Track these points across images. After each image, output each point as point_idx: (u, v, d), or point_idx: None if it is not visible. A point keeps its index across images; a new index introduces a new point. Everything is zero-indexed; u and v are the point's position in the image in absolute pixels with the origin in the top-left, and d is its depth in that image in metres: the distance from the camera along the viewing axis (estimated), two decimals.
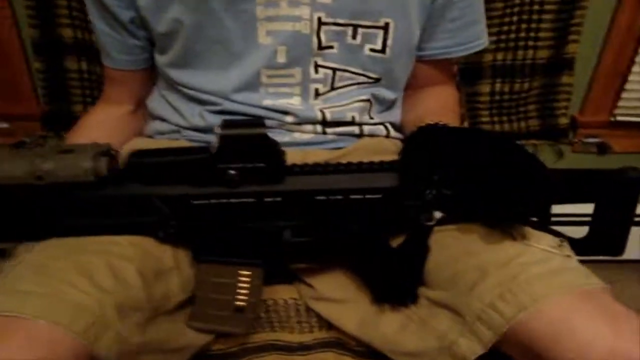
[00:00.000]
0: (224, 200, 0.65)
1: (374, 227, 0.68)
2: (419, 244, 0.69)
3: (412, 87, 0.91)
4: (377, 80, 0.82)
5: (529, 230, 0.66)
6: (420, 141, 0.67)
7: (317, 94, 0.80)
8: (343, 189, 0.66)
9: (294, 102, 0.79)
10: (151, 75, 0.86)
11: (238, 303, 0.69)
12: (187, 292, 0.71)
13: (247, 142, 0.62)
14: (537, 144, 1.40)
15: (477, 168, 0.63)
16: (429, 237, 0.68)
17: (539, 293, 0.57)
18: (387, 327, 0.70)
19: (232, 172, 0.63)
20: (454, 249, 0.67)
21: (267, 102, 0.79)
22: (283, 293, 0.80)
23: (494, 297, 0.58)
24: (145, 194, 0.64)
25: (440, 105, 0.89)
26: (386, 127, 0.86)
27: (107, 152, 0.63)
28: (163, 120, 0.84)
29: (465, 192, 0.65)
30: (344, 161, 0.68)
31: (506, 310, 0.57)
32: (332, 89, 0.80)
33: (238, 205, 0.65)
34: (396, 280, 0.70)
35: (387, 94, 0.85)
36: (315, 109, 0.80)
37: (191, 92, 0.80)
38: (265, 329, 0.80)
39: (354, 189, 0.66)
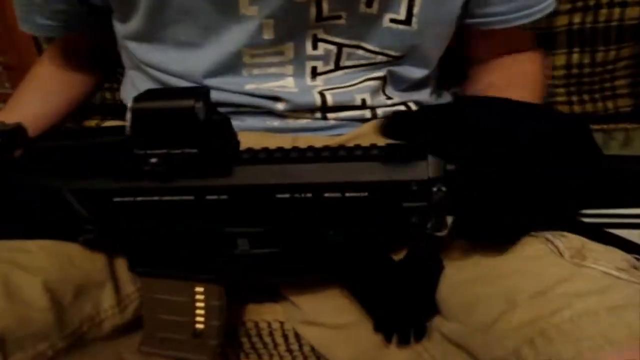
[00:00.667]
0: (155, 198, 0.49)
1: (359, 237, 0.50)
2: (427, 260, 0.51)
3: (472, 60, 0.73)
4: (398, 58, 0.64)
5: (584, 242, 0.48)
6: (436, 118, 0.48)
7: (315, 73, 0.62)
8: (312, 183, 0.48)
9: (287, 85, 0.63)
10: (102, 33, 0.71)
11: (197, 326, 0.56)
12: (129, 312, 0.58)
13: (170, 120, 0.45)
14: (630, 128, 1.15)
15: (519, 153, 0.45)
16: (440, 251, 0.51)
17: (587, 341, 0.39)
18: None
19: (154, 160, 0.46)
20: (473, 267, 0.50)
21: (251, 86, 0.62)
22: (266, 314, 0.65)
23: (521, 341, 0.42)
24: (53, 188, 0.49)
25: (507, 81, 0.69)
26: (408, 107, 0.67)
27: (8, 133, 0.49)
28: None
29: (497, 188, 0.46)
30: None
31: None
32: (338, 68, 0.63)
33: (173, 204, 0.49)
34: (398, 308, 0.52)
35: (412, 72, 0.66)
36: (314, 92, 0.63)
37: (157, 74, 0.64)
38: (249, 356, 0.66)
39: (327, 184, 0.48)
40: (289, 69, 0.62)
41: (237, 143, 0.51)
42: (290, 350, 0.65)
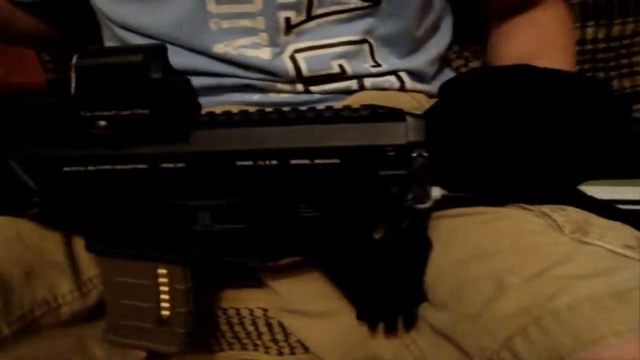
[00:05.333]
0: (106, 167, 0.44)
1: (333, 211, 0.45)
2: (413, 238, 0.46)
3: (492, 18, 0.67)
4: (374, 3, 0.56)
5: (587, 215, 0.43)
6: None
7: (289, 25, 0.55)
8: (277, 149, 0.43)
9: (259, 42, 0.56)
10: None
11: (163, 313, 0.52)
12: (92, 298, 0.54)
13: (118, 77, 0.41)
14: None
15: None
16: (426, 227, 0.46)
17: (588, 332, 0.34)
18: (375, 354, 0.50)
19: (102, 123, 0.42)
20: (461, 246, 0.45)
21: (220, 46, 0.56)
22: (248, 300, 0.61)
23: (513, 331, 0.37)
24: None
25: (539, 43, 0.65)
26: (399, 77, 0.61)
27: None
28: None
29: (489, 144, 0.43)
30: None
31: (530, 357, 0.36)
32: (310, 18, 0.56)
33: (126, 174, 0.45)
34: (383, 293, 0.47)
35: (391, 27, 0.58)
36: (284, 57, 0.56)
37: (124, 34, 0.59)
38: (233, 346, 0.62)
39: (294, 150, 0.43)
40: (260, 21, 0.55)
41: (198, 107, 0.46)
42: (275, 341, 0.61)
